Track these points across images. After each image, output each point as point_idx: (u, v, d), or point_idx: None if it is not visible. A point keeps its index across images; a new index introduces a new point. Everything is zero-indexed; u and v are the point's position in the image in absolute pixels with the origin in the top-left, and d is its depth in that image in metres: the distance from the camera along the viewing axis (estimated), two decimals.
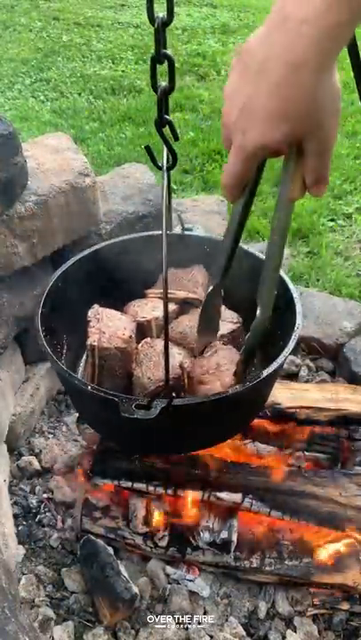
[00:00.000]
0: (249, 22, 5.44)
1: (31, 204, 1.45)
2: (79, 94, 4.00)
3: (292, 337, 1.06)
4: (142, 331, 1.24)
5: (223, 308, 1.26)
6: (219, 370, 1.07)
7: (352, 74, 1.34)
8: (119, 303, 1.31)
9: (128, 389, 1.15)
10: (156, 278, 1.35)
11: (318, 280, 2.37)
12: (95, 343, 1.13)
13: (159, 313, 1.25)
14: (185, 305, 1.29)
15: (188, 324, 1.23)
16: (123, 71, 4.37)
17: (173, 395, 0.88)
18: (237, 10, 5.76)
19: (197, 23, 5.33)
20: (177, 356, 1.15)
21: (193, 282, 1.30)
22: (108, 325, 1.17)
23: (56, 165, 1.59)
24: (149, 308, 1.28)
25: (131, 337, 1.17)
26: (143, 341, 1.20)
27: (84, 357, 1.27)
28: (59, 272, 1.23)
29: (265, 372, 1.00)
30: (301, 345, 1.90)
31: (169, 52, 0.83)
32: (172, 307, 1.27)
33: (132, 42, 4.88)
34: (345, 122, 3.62)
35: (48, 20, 5.25)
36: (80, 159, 1.64)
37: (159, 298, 1.30)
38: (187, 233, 1.34)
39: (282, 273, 1.22)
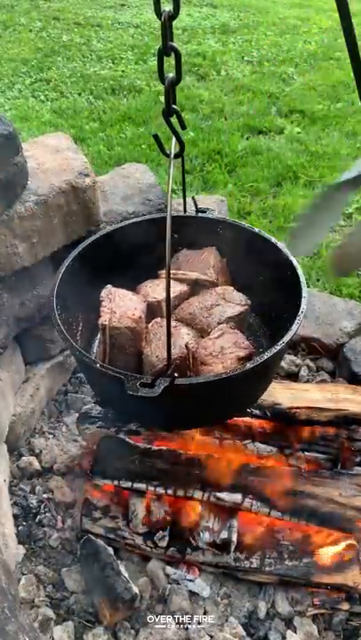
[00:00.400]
0: (249, 22, 5.45)
1: (31, 204, 1.45)
2: (79, 94, 4.00)
3: (296, 321, 1.06)
4: (153, 310, 1.26)
5: (232, 289, 1.27)
6: (222, 353, 1.09)
7: (352, 74, 1.34)
8: (134, 283, 1.33)
9: (139, 367, 1.18)
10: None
11: (318, 280, 2.37)
12: (106, 323, 1.16)
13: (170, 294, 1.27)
14: (196, 286, 1.30)
15: (197, 305, 1.24)
16: (123, 71, 4.37)
17: (176, 375, 0.90)
18: (238, 10, 5.76)
19: (197, 23, 5.33)
20: (185, 336, 1.17)
21: (205, 263, 1.31)
22: (120, 305, 1.20)
23: (56, 165, 1.59)
24: (161, 288, 1.29)
25: (140, 317, 1.19)
26: (153, 321, 1.23)
27: (98, 336, 1.29)
28: (74, 253, 1.25)
29: (265, 356, 1.00)
30: (302, 345, 1.90)
31: (175, 44, 0.84)
32: (183, 287, 1.29)
33: (132, 42, 4.88)
34: (345, 122, 3.62)
35: (48, 19, 5.25)
36: (80, 159, 1.64)
37: (171, 278, 1.32)
38: (200, 215, 1.35)
39: (292, 259, 1.23)
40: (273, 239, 1.27)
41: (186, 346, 1.11)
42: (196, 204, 1.35)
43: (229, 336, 1.14)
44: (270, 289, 1.25)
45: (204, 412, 1.11)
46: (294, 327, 1.05)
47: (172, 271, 1.31)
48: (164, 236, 1.32)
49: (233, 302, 1.23)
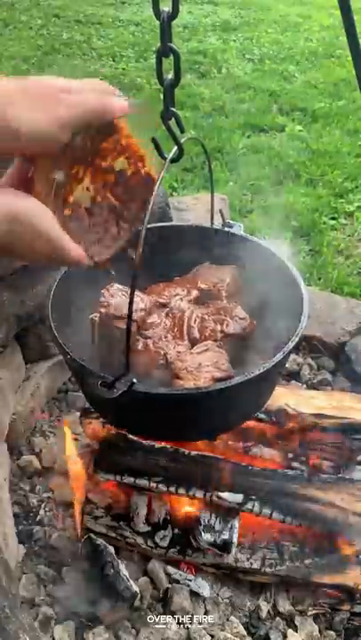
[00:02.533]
0: (250, 20, 5.43)
1: None
2: None
3: (289, 344, 1.02)
4: (153, 311, 1.25)
5: (239, 308, 1.23)
6: (198, 370, 1.06)
7: (353, 71, 1.33)
8: (148, 284, 1.33)
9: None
10: (190, 269, 1.37)
11: (320, 279, 2.36)
12: (96, 318, 1.15)
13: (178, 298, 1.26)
14: (206, 298, 1.30)
15: (198, 315, 1.23)
16: (123, 69, 4.37)
17: (135, 380, 0.88)
18: (239, 7, 5.75)
19: (198, 21, 5.32)
20: (177, 346, 1.15)
21: (220, 280, 1.30)
22: (119, 303, 1.19)
23: None
24: (169, 291, 1.28)
25: (135, 319, 1.17)
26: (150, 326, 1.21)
27: None
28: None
29: (237, 379, 0.97)
30: (303, 343, 1.90)
31: (174, 45, 0.83)
32: (192, 294, 1.29)
33: (132, 39, 4.87)
34: (346, 120, 3.61)
35: (48, 17, 5.24)
36: None
37: (185, 285, 1.31)
38: (226, 229, 1.33)
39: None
40: (294, 271, 1.20)
41: (165, 355, 1.10)
42: (223, 218, 1.34)
43: (212, 354, 1.10)
44: (279, 316, 1.21)
45: (168, 427, 1.09)
46: (266, 364, 0.98)
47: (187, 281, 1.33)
48: (182, 242, 1.35)
49: (236, 320, 1.20)
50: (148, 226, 1.30)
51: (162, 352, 1.13)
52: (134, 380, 0.88)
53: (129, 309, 0.86)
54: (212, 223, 1.35)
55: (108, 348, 1.17)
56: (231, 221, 1.34)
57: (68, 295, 1.19)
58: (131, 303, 0.86)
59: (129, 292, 1.24)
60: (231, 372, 1.08)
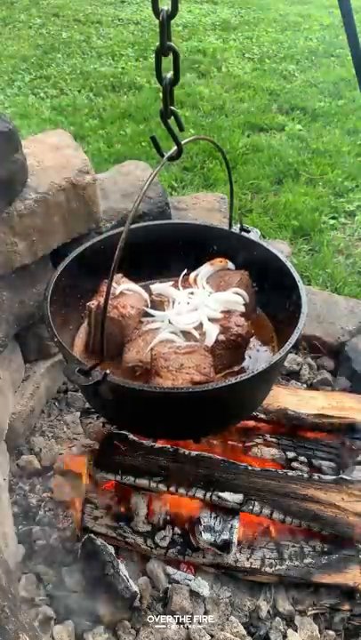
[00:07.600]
0: (250, 19, 5.42)
1: (31, 201, 1.44)
2: (79, 91, 3.98)
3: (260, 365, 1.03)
4: (155, 307, 1.27)
5: (239, 315, 1.24)
6: (179, 370, 1.06)
7: (353, 71, 1.33)
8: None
9: (119, 357, 1.19)
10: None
11: (320, 278, 2.36)
12: (93, 306, 1.15)
13: (180, 298, 1.27)
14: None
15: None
16: (123, 68, 4.36)
17: (108, 371, 0.90)
18: (238, 6, 5.74)
19: (198, 20, 5.31)
20: (167, 344, 1.15)
21: (227, 282, 1.31)
22: (117, 295, 1.20)
23: (56, 163, 1.59)
24: (177, 291, 1.29)
25: (130, 313, 1.18)
26: (146, 320, 1.23)
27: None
28: (100, 237, 1.27)
29: (210, 385, 0.98)
30: (303, 343, 1.89)
31: (173, 44, 0.83)
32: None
33: (132, 38, 4.86)
34: (346, 119, 3.61)
35: (48, 16, 5.23)
36: (80, 157, 1.64)
37: (193, 285, 1.33)
38: (243, 234, 1.34)
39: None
40: (297, 278, 1.20)
41: (150, 351, 1.11)
42: (241, 222, 1.35)
43: (197, 357, 1.10)
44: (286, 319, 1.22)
45: (143, 422, 1.10)
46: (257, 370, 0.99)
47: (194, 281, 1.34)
48: (189, 241, 1.36)
49: (231, 328, 1.19)
50: (176, 221, 1.32)
51: (148, 347, 1.13)
52: (107, 371, 0.89)
53: (105, 298, 0.87)
54: (230, 226, 1.35)
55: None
56: (248, 227, 1.35)
57: (69, 285, 1.20)
58: (108, 292, 0.87)
59: (133, 288, 1.24)
60: (211, 377, 1.07)
